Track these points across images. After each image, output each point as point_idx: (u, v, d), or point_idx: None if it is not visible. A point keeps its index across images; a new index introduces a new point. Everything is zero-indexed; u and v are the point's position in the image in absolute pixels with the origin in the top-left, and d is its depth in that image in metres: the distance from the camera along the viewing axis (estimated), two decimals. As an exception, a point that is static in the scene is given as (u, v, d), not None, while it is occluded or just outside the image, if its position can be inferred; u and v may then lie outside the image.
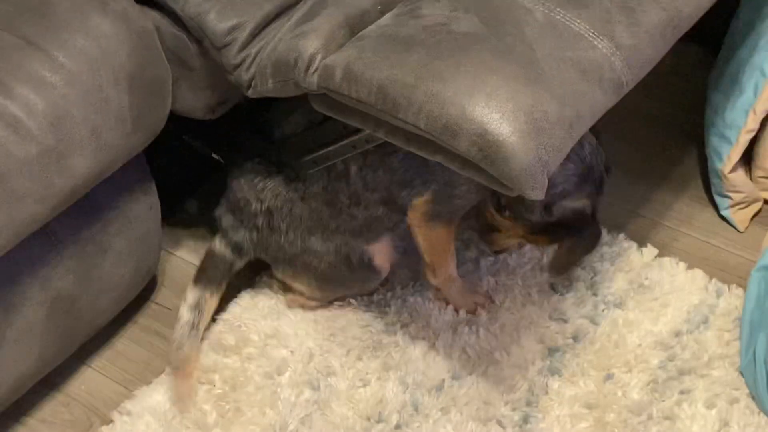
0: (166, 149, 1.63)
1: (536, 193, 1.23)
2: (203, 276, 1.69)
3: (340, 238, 1.65)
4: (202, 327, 1.68)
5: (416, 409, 1.63)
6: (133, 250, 1.66)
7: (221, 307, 1.77)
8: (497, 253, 1.83)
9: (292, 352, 1.71)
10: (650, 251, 1.84)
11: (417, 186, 1.58)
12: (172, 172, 1.77)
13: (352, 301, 1.78)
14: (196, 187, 1.92)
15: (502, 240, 1.77)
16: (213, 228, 1.73)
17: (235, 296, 1.79)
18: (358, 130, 1.46)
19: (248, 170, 1.66)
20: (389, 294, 1.79)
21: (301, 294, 1.75)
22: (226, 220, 1.70)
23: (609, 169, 1.66)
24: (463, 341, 1.71)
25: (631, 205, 1.93)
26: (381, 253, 1.69)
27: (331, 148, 1.52)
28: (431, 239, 1.65)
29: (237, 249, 1.69)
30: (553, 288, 1.80)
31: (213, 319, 1.75)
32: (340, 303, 1.78)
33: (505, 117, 1.21)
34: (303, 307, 1.76)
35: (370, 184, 1.59)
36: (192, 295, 1.67)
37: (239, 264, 1.71)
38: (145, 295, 1.79)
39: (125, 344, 1.75)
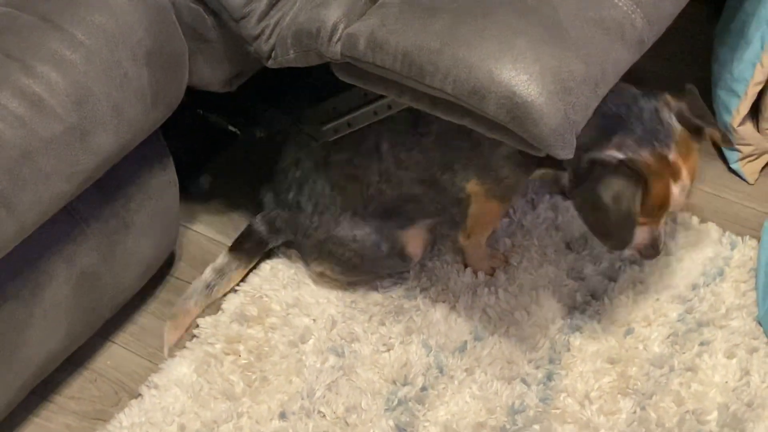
0: (182, 123, 1.63)
1: (565, 153, 1.25)
2: (237, 246, 1.74)
3: (370, 224, 1.65)
4: (217, 291, 1.72)
5: (441, 371, 1.66)
6: (154, 225, 1.68)
7: (242, 280, 1.78)
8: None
9: (314, 320, 1.73)
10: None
11: (458, 170, 1.58)
12: (187, 146, 1.78)
13: (372, 268, 1.80)
14: (211, 161, 1.93)
15: None
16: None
17: (255, 267, 1.81)
18: (379, 97, 1.47)
19: (292, 138, 1.67)
20: (408, 259, 1.81)
21: (325, 274, 1.76)
22: (267, 195, 1.73)
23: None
24: (483, 302, 1.74)
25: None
26: (415, 240, 1.70)
27: (352, 116, 1.53)
28: (483, 210, 1.65)
29: (272, 227, 1.73)
30: (569, 247, 1.82)
31: (234, 290, 1.78)
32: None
33: (533, 78, 1.23)
34: (327, 285, 1.78)
35: (403, 162, 1.59)
36: (221, 259, 1.73)
37: (273, 242, 1.75)
38: (165, 270, 1.81)
39: (148, 319, 1.77)
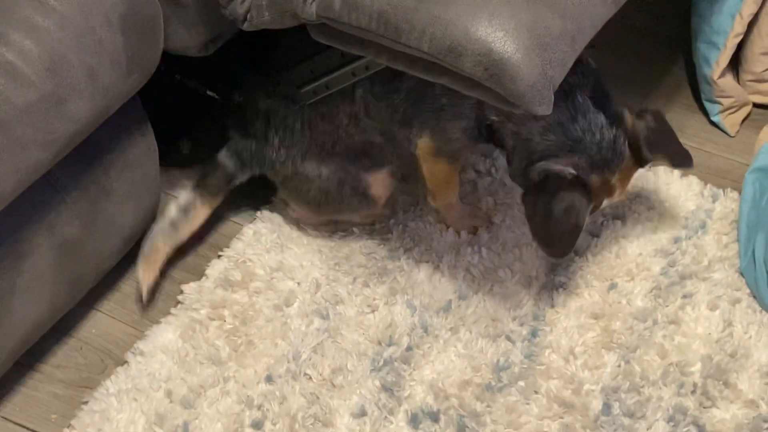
0: (158, 90, 1.63)
1: (543, 108, 1.25)
2: (201, 182, 1.72)
3: (336, 161, 1.66)
4: (182, 230, 1.71)
5: (426, 331, 1.67)
6: (135, 192, 1.68)
7: (224, 244, 1.79)
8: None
9: (298, 283, 1.74)
10: (644, 161, 1.88)
11: (415, 127, 1.61)
12: (165, 112, 1.77)
13: (355, 229, 1.81)
14: (190, 127, 1.93)
15: None
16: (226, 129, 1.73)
17: (237, 232, 1.81)
18: (357, 58, 1.47)
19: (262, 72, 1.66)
20: (391, 220, 1.82)
21: (299, 211, 1.77)
22: (233, 128, 1.71)
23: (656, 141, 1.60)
24: (467, 261, 1.75)
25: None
26: (378, 183, 1.71)
27: (330, 77, 1.53)
28: (435, 171, 1.68)
29: (239, 159, 1.71)
30: (551, 204, 1.83)
31: (217, 256, 1.78)
32: (343, 232, 1.81)
33: (509, 35, 1.23)
34: (307, 224, 1.78)
35: (371, 111, 1.60)
36: (185, 196, 1.70)
37: (240, 177, 1.73)
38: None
39: (132, 286, 1.77)
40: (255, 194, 1.83)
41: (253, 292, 1.73)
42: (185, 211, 1.70)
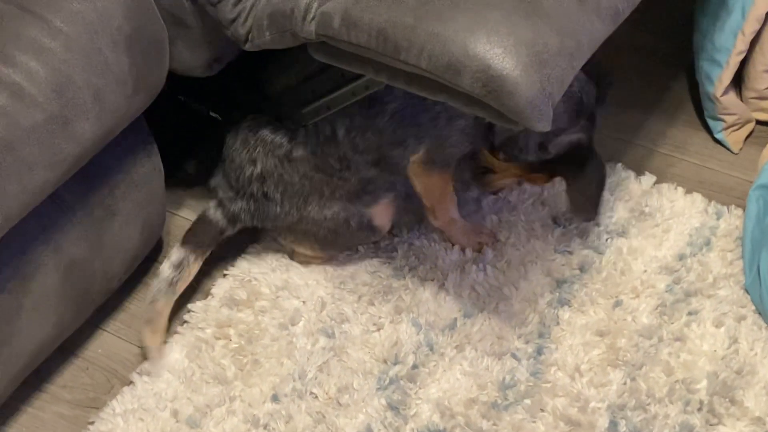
0: (163, 110, 1.64)
1: (542, 125, 1.26)
2: (192, 238, 1.72)
3: (338, 204, 1.68)
4: (179, 286, 1.71)
5: (431, 349, 1.68)
6: (140, 212, 1.69)
7: (230, 263, 1.81)
8: (494, 193, 1.87)
9: (304, 302, 1.75)
10: (648, 179, 1.89)
11: (410, 144, 1.63)
12: (170, 132, 1.79)
13: (360, 248, 1.82)
14: (194, 147, 1.95)
15: (497, 181, 1.82)
16: (212, 190, 1.75)
17: (243, 251, 1.83)
18: (357, 77, 1.48)
19: (241, 131, 1.67)
20: (395, 239, 1.83)
21: (306, 254, 1.78)
22: (222, 190, 1.72)
23: (604, 98, 1.69)
24: (472, 279, 1.76)
25: (626, 135, 1.97)
26: (380, 214, 1.73)
27: (330, 97, 1.54)
28: (429, 186, 1.69)
29: (232, 218, 1.72)
30: (555, 221, 1.84)
31: (223, 275, 1.80)
32: (348, 252, 1.82)
33: (507, 51, 1.24)
34: (312, 263, 1.80)
35: (359, 146, 1.62)
36: (177, 254, 1.70)
37: (230, 231, 1.74)
38: (153, 257, 1.83)
39: (138, 306, 1.78)
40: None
41: (259, 311, 1.74)
42: (179, 268, 1.70)
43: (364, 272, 1.79)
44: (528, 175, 1.75)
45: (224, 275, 1.80)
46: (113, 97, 1.44)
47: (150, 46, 1.49)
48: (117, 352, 1.72)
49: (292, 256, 1.80)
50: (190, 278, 1.73)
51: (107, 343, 1.74)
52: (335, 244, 1.75)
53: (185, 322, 1.74)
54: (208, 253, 1.74)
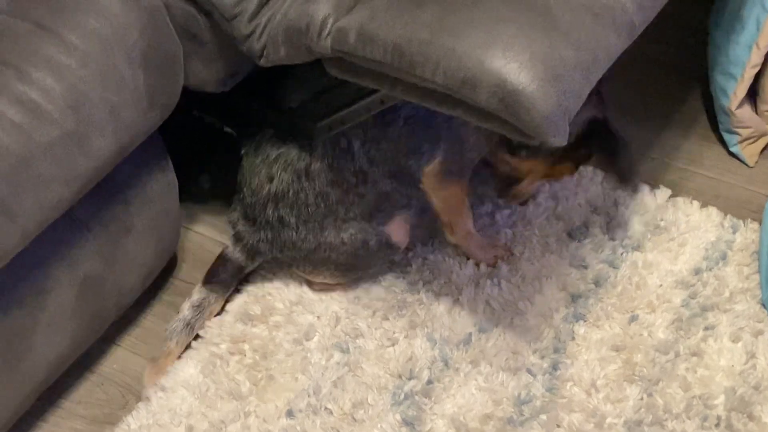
0: (177, 125, 1.65)
1: (559, 140, 1.26)
2: (212, 278, 1.72)
3: (354, 225, 1.67)
4: (197, 327, 1.71)
5: (446, 364, 1.67)
6: (155, 228, 1.70)
7: (244, 278, 1.80)
8: (522, 204, 1.86)
9: (318, 317, 1.75)
10: (663, 192, 1.89)
11: (426, 151, 1.62)
12: (184, 147, 1.79)
13: (374, 263, 1.82)
14: (208, 161, 1.95)
15: (524, 188, 1.80)
16: (230, 223, 1.75)
17: (258, 266, 1.82)
18: (372, 91, 1.49)
19: (262, 147, 1.66)
20: (410, 253, 1.83)
21: (323, 283, 1.77)
22: (239, 224, 1.71)
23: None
24: (487, 294, 1.75)
25: (641, 149, 1.97)
26: (397, 230, 1.72)
27: (345, 111, 1.54)
28: (446, 198, 1.69)
29: (251, 252, 1.71)
30: (570, 235, 1.84)
31: (237, 290, 1.79)
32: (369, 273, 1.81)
33: (524, 66, 1.24)
34: (331, 291, 1.78)
35: (375, 159, 1.61)
36: (198, 294, 1.71)
37: (251, 267, 1.74)
38: (167, 272, 1.83)
39: (153, 321, 1.78)
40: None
41: (273, 327, 1.74)
42: (200, 309, 1.71)
43: (379, 287, 1.78)
44: (554, 169, 1.74)
45: (239, 290, 1.79)
46: (129, 113, 1.45)
47: (165, 61, 1.50)
48: (132, 368, 1.72)
49: (310, 285, 1.79)
50: (211, 317, 1.73)
51: (122, 358, 1.74)
52: (355, 268, 1.74)
53: (199, 337, 1.74)
54: (229, 292, 1.74)
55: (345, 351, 1.70)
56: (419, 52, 1.28)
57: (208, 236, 1.89)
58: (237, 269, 1.73)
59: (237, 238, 1.72)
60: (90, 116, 1.39)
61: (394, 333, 1.71)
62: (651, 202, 1.87)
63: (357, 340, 1.71)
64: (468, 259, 1.80)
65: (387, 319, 1.73)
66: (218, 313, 1.76)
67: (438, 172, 1.65)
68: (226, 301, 1.76)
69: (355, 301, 1.77)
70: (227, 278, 1.73)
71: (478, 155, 1.68)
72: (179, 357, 1.71)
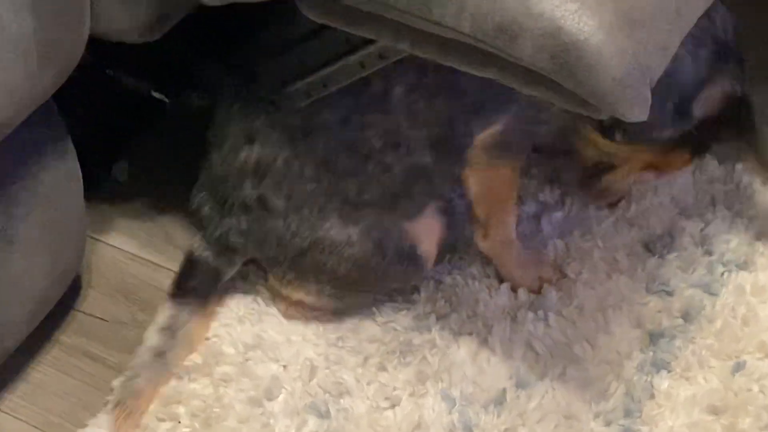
0: (82, 91, 1.66)
1: (637, 111, 1.27)
2: (181, 288, 1.74)
3: (369, 214, 1.67)
4: (172, 357, 1.72)
5: (470, 434, 1.68)
6: (49, 238, 1.69)
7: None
8: (612, 205, 1.88)
9: (284, 366, 1.75)
10: (783, 184, 1.91)
11: (487, 113, 1.62)
12: (93, 123, 1.79)
13: (364, 287, 1.83)
14: (127, 142, 1.95)
15: (618, 180, 1.82)
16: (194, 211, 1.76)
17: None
18: (366, 42, 1.49)
19: (234, 97, 1.67)
20: (417, 274, 1.83)
21: (304, 303, 1.78)
22: (206, 207, 1.72)
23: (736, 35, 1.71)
24: (528, 333, 1.76)
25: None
26: (428, 232, 1.73)
27: (328, 70, 1.55)
28: (491, 183, 1.71)
29: (223, 248, 1.72)
30: (648, 248, 1.85)
31: (167, 330, 1.79)
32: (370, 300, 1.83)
33: (585, 8, 1.24)
34: (308, 318, 1.80)
35: (420, 116, 1.61)
36: (164, 313, 1.72)
37: (229, 272, 1.75)
38: (68, 303, 1.83)
39: (45, 374, 1.79)
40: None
41: (220, 380, 1.74)
42: (171, 333, 1.72)
43: (372, 322, 1.79)
44: (663, 158, 1.76)
45: (168, 329, 1.80)
46: (10, 74, 1.44)
47: (64, 2, 1.49)
48: (14, 440, 1.73)
49: (282, 307, 1.80)
50: (191, 343, 1.74)
51: (2, 425, 1.73)
52: (356, 285, 1.75)
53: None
54: (211, 305, 1.76)
55: (323, 415, 1.70)
56: (438, -13, 1.28)
57: (128, 251, 1.90)
58: (211, 274, 1.74)
59: (204, 228, 1.73)
60: (-46, 76, 1.40)
61: (394, 389, 1.72)
62: (763, 201, 1.89)
63: (341, 400, 1.71)
64: (501, 282, 1.81)
65: (384, 369, 1.74)
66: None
67: (492, 145, 1.65)
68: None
69: (337, 343, 1.77)
70: (200, 287, 1.74)
71: (550, 129, 1.69)
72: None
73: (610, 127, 1.67)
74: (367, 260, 1.70)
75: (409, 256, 1.72)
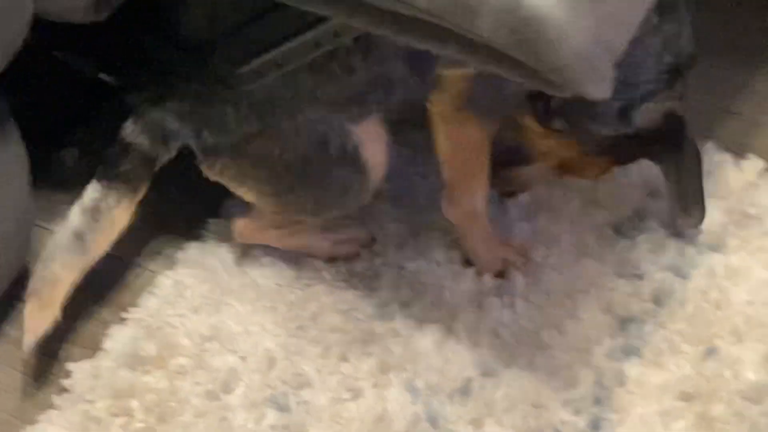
0: (28, 74, 1.65)
1: (600, 88, 1.26)
2: (110, 171, 1.70)
3: (319, 110, 1.65)
4: (93, 245, 1.69)
5: (434, 424, 1.67)
6: (-7, 227, 1.69)
7: (132, 301, 1.81)
8: (508, 195, 1.88)
9: (242, 358, 1.75)
10: (753, 164, 1.91)
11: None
12: (39, 107, 1.78)
13: (325, 274, 1.83)
14: (74, 126, 1.94)
15: (529, 173, 1.82)
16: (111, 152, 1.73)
17: (150, 283, 1.84)
18: (320, 19, 1.48)
19: None
20: (378, 260, 1.84)
21: (251, 215, 1.78)
22: (145, 89, 1.68)
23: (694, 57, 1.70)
24: (494, 320, 1.76)
25: (720, 100, 1.99)
26: (371, 140, 1.71)
27: (281, 49, 1.55)
28: (459, 142, 1.69)
29: (160, 132, 1.69)
30: (617, 231, 1.85)
31: (121, 320, 1.79)
32: (308, 279, 1.82)
33: (545, -20, 1.24)
34: (256, 239, 1.80)
35: None
36: (90, 194, 1.69)
37: (165, 156, 1.71)
38: (14, 295, 1.81)
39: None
40: (176, 224, 1.83)
41: (175, 373, 1.73)
42: (95, 215, 1.68)
43: (333, 310, 1.79)
44: (583, 160, 1.76)
45: (122, 320, 1.80)
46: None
47: (5, -23, 1.49)
48: (-40, 441, 1.72)
49: (236, 230, 1.81)
50: (113, 233, 1.71)
51: (-57, 425, 1.73)
52: (298, 185, 1.72)
53: (65, 390, 1.73)
54: (139, 195, 1.71)
55: (283, 408, 1.70)
56: (392, -42, 1.28)
57: (75, 239, 1.87)
58: (143, 159, 1.70)
59: (136, 109, 1.69)
60: None
61: (356, 380, 1.72)
62: (735, 179, 1.89)
63: (301, 392, 1.71)
64: (466, 265, 1.80)
65: (346, 359, 1.74)
66: (93, 355, 1.76)
67: (461, 94, 1.64)
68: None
69: (297, 332, 1.77)
70: (131, 170, 1.70)
71: (518, 97, 1.67)
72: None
73: (551, 113, 1.67)
74: (309, 155, 1.68)
75: (353, 160, 1.70)
